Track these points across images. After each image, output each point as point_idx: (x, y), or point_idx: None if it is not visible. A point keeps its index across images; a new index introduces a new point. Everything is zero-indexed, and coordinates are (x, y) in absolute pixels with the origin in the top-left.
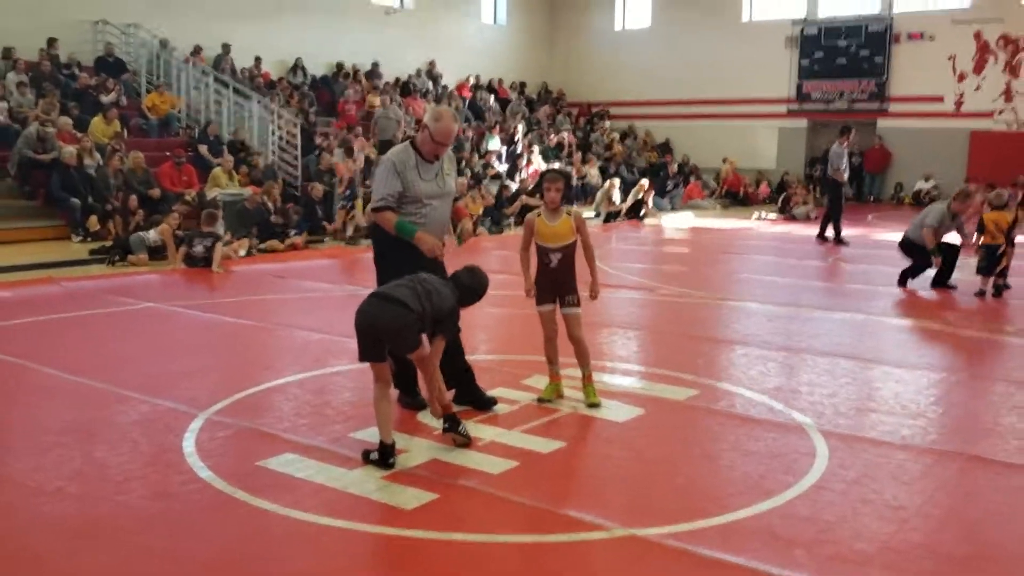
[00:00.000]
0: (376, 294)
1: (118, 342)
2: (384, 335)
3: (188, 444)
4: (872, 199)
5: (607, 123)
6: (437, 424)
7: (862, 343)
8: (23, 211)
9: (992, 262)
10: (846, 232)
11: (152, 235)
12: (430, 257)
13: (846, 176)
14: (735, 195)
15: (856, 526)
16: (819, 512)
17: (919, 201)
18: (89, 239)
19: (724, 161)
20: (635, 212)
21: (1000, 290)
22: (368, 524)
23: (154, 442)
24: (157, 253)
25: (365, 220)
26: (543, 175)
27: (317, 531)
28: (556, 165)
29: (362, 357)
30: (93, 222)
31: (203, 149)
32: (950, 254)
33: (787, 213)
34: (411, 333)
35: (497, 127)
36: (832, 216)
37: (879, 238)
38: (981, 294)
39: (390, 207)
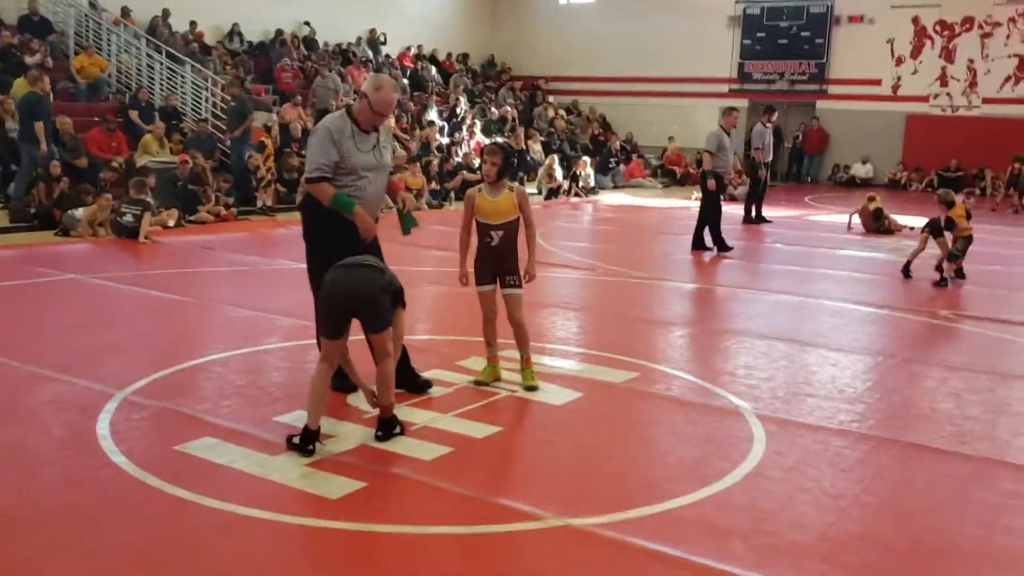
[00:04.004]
0: (343, 264)
1: (34, 316)
2: (362, 305)
3: (102, 426)
4: (810, 180)
5: (551, 98)
6: (367, 408)
7: (799, 326)
8: None
9: (965, 249)
10: (784, 213)
11: (79, 213)
12: (365, 236)
13: (769, 157)
14: (674, 174)
15: (794, 515)
16: (756, 500)
17: (856, 183)
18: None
19: (670, 140)
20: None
21: (960, 273)
22: (290, 515)
23: (66, 424)
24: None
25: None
26: (483, 148)
27: (234, 522)
28: (500, 140)
29: (322, 331)
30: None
31: (134, 115)
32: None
33: (725, 194)
34: (386, 301)
35: (438, 98)
36: (752, 195)
37: (816, 219)
38: (944, 283)
39: (326, 177)
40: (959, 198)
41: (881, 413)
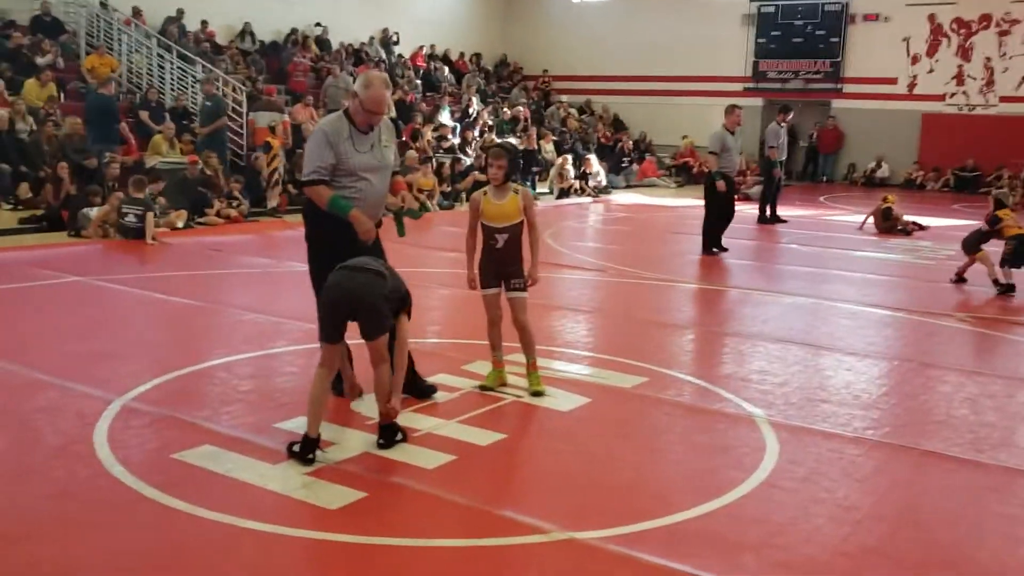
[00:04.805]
0: (345, 266)
1: (35, 320)
2: (361, 309)
3: (99, 434)
4: (825, 179)
5: (563, 98)
6: (371, 414)
7: (813, 329)
8: None
9: (1020, 252)
10: (799, 212)
11: (93, 213)
12: (363, 239)
13: (783, 156)
14: (689, 171)
15: (807, 528)
16: (769, 513)
17: (872, 183)
18: (20, 207)
19: (684, 138)
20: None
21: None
22: (288, 527)
23: (62, 432)
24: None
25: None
26: (487, 150)
27: (231, 534)
28: (513, 140)
29: (324, 336)
30: (24, 190)
31: (144, 115)
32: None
33: (739, 192)
34: (386, 306)
35: (450, 99)
36: (766, 194)
37: (831, 219)
38: (1010, 289)
39: (323, 180)
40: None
41: (897, 420)
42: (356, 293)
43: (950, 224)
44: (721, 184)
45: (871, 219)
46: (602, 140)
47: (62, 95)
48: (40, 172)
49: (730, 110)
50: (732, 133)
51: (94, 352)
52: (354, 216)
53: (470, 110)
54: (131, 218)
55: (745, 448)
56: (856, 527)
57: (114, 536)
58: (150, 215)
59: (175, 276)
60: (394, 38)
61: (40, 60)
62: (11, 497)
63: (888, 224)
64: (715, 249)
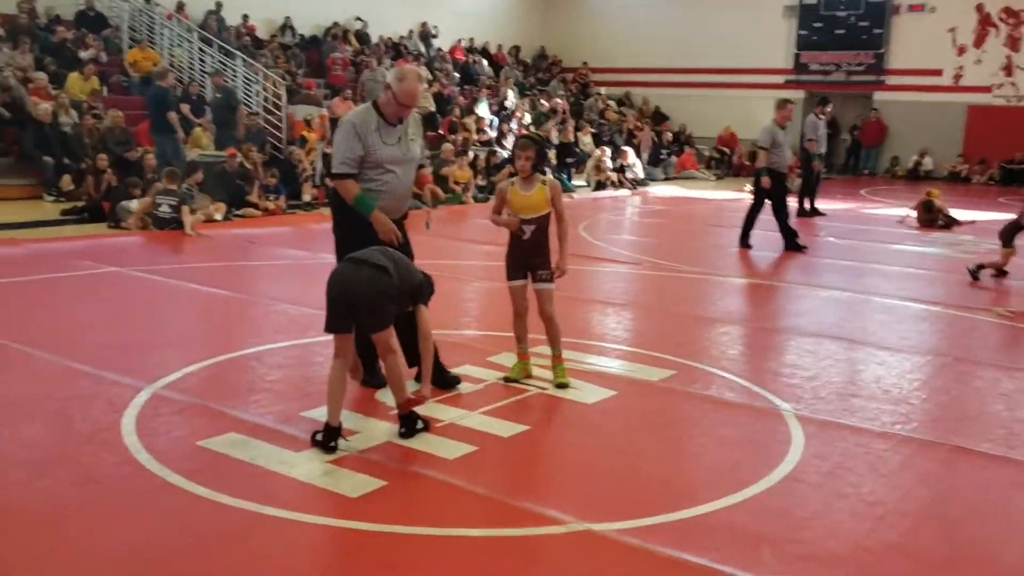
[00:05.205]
0: (351, 258)
1: (72, 309)
2: (359, 302)
3: (128, 422)
4: (867, 172)
5: (601, 89)
6: (394, 404)
7: (847, 322)
8: None
9: None
10: (839, 206)
11: (133, 205)
12: (384, 240)
13: (823, 148)
14: (728, 162)
15: (829, 523)
16: (791, 507)
17: (915, 176)
18: (62, 199)
19: (726, 128)
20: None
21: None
22: (307, 514)
23: (91, 419)
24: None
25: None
26: (515, 141)
27: (251, 521)
28: (531, 133)
29: (328, 327)
30: (67, 181)
31: (185, 108)
32: None
33: (792, 188)
34: (387, 302)
35: (488, 92)
36: (805, 187)
37: (870, 212)
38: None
39: (351, 174)
40: None
41: (927, 415)
42: (355, 288)
43: (995, 218)
44: (766, 180)
45: (913, 212)
46: (631, 131)
47: (105, 89)
48: (82, 164)
49: (781, 104)
50: (783, 128)
51: (127, 341)
52: (376, 217)
53: (507, 103)
54: (165, 208)
55: (770, 442)
56: (879, 522)
57: (137, 522)
58: (185, 207)
59: (211, 267)
60: (433, 32)
61: (83, 54)
62: (39, 483)
63: (929, 217)
64: (796, 245)
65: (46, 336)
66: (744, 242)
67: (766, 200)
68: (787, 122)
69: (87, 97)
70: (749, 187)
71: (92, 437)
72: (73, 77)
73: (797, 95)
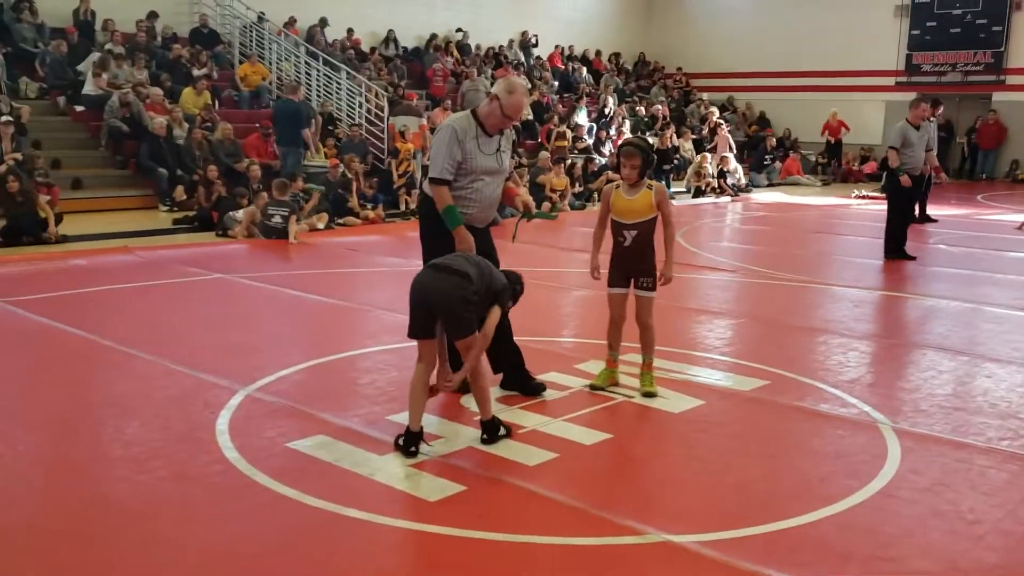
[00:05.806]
0: (433, 264)
1: (177, 314)
2: (438, 309)
3: (222, 422)
4: (984, 177)
5: (704, 95)
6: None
7: (954, 332)
8: (115, 180)
9: None
10: (952, 212)
11: (240, 215)
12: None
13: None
14: (837, 166)
15: (922, 541)
16: (881, 524)
17: None
18: (175, 209)
19: (833, 115)
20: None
21: None
22: (386, 516)
23: (188, 419)
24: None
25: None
26: (619, 148)
27: (331, 521)
28: (635, 139)
29: (410, 332)
30: (179, 192)
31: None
32: None
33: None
34: (467, 308)
35: (588, 99)
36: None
37: (986, 219)
38: None
39: (447, 181)
40: None
41: None
42: (435, 296)
43: None
44: (905, 179)
45: None
46: (712, 129)
47: (217, 102)
48: (194, 176)
49: (915, 103)
50: (917, 128)
51: (227, 344)
52: (459, 233)
53: (606, 110)
54: (277, 219)
55: (864, 455)
56: (977, 542)
57: (225, 519)
58: (292, 217)
59: (311, 274)
60: (533, 40)
61: (196, 71)
62: (137, 478)
63: None
64: (901, 254)
65: (150, 339)
66: (894, 252)
67: (909, 199)
68: (921, 121)
69: (200, 111)
70: (857, 192)
71: (187, 436)
72: (187, 92)
73: (908, 97)
